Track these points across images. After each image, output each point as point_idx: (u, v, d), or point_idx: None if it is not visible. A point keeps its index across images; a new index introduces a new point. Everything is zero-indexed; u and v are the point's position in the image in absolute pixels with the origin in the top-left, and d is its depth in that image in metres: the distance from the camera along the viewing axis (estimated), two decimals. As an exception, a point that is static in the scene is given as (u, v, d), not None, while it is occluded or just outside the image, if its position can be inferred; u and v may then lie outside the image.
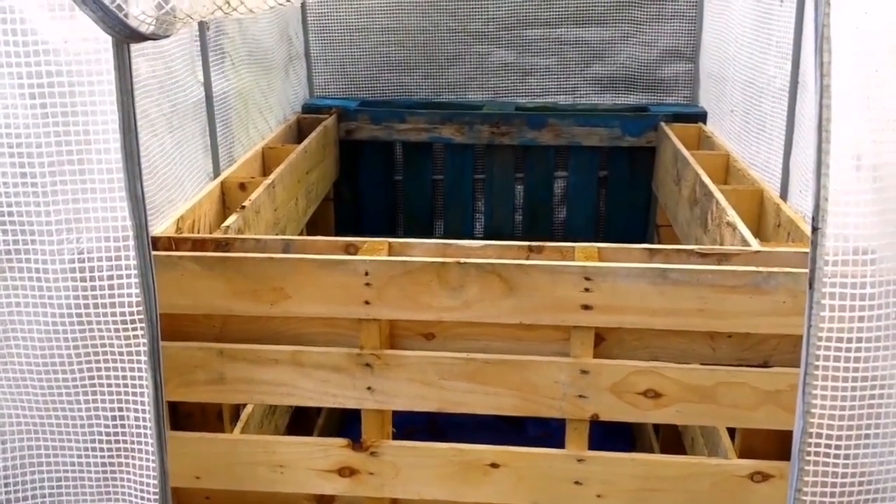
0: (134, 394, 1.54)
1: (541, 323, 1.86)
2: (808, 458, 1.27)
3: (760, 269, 1.79)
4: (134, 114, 1.34)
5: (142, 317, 1.47)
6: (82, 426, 1.57)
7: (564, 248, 2.01)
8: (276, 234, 2.79)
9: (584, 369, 1.88)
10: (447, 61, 4.00)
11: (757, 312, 1.79)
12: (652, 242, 3.69)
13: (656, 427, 3.01)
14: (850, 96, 1.19)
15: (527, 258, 1.98)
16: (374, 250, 2.01)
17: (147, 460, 1.58)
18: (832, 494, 1.28)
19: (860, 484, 1.28)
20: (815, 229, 1.20)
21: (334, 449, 2.00)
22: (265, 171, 3.08)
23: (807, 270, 1.52)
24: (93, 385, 1.54)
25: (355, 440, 2.00)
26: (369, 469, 2.00)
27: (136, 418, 1.56)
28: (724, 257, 1.95)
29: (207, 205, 2.55)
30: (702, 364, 1.88)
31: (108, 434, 1.57)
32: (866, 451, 1.27)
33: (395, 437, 2.06)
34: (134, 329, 1.49)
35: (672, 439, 2.71)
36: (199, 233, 2.43)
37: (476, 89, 4.04)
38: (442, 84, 4.03)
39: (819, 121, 1.18)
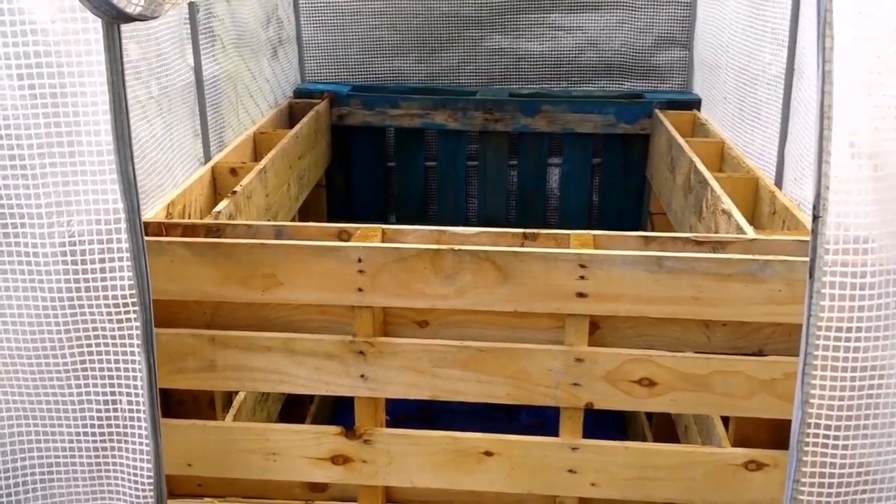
0: (126, 378, 1.53)
1: (535, 311, 1.85)
2: (806, 448, 1.26)
3: (756, 257, 1.78)
4: (125, 95, 1.31)
5: (134, 300, 1.46)
6: (74, 411, 1.56)
7: (559, 236, 1.99)
8: (268, 220, 2.77)
9: (578, 357, 1.87)
10: (440, 46, 3.97)
11: (752, 301, 1.78)
12: (645, 230, 3.69)
13: (649, 415, 3.02)
14: (850, 83, 1.18)
15: (521, 245, 1.96)
16: (368, 237, 1.99)
17: (140, 446, 1.56)
18: (830, 486, 1.27)
19: (858, 475, 1.28)
20: (815, 217, 1.19)
21: (327, 436, 1.99)
22: (257, 157, 3.06)
23: (803, 258, 1.52)
24: (84, 370, 1.53)
25: (348, 428, 1.99)
26: (362, 457, 1.99)
27: (129, 402, 1.54)
28: (719, 245, 1.94)
29: (198, 190, 2.53)
30: (696, 352, 1.87)
31: (100, 419, 1.56)
32: (864, 442, 1.26)
33: (389, 424, 2.04)
34: (126, 313, 1.48)
35: (665, 427, 2.71)
36: (189, 218, 2.40)
37: (469, 75, 4.01)
38: (435, 69, 4.01)
39: (820, 107, 1.16)
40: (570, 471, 1.95)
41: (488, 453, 1.96)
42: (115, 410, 1.55)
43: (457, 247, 1.83)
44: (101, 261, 1.44)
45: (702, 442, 2.24)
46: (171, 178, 2.41)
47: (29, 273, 1.44)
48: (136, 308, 1.46)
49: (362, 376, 1.93)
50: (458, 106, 3.80)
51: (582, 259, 1.80)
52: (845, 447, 1.26)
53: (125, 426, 1.56)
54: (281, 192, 3.00)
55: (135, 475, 1.58)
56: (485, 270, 1.82)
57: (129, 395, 1.54)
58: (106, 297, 1.46)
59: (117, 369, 1.52)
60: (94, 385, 1.54)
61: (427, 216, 4.08)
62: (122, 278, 1.45)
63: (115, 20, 1.25)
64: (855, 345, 1.22)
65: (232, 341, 1.93)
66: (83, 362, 1.52)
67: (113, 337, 1.50)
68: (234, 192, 2.48)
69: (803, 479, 1.27)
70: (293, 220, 3.22)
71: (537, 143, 3.89)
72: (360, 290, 1.85)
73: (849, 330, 1.22)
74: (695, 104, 3.64)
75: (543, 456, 1.95)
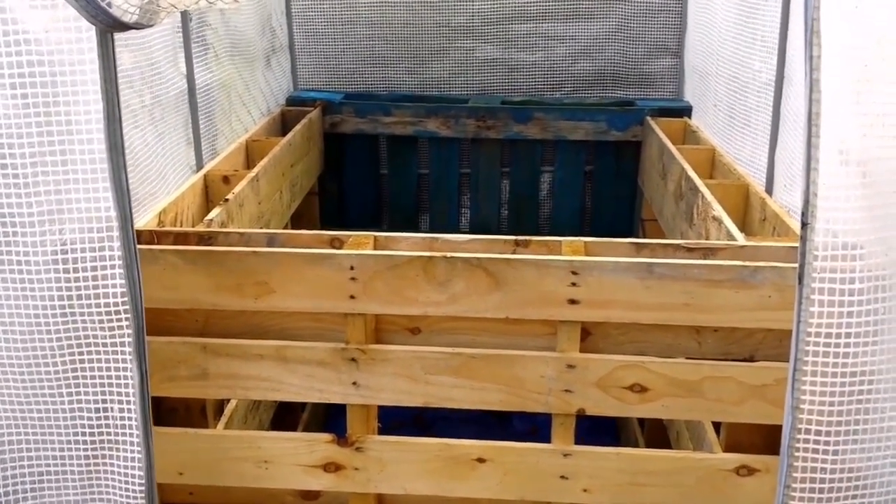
0: (118, 386, 1.52)
1: (527, 317, 1.86)
2: (796, 454, 1.27)
3: (747, 263, 1.79)
4: (118, 104, 1.31)
5: (126, 308, 1.45)
6: (65, 420, 1.55)
7: (551, 243, 2.00)
8: (260, 228, 2.77)
9: (570, 364, 1.87)
10: (431, 56, 3.98)
11: (743, 307, 1.79)
12: (637, 237, 3.70)
13: (641, 420, 3.02)
14: (839, 91, 1.19)
15: (513, 252, 1.97)
16: (360, 244, 1.99)
17: (132, 454, 1.56)
18: (820, 490, 1.28)
19: (848, 480, 1.28)
20: (804, 224, 1.20)
21: (319, 444, 1.99)
22: (249, 164, 3.06)
23: (793, 265, 1.53)
24: (76, 378, 1.52)
25: (340, 435, 1.99)
26: (355, 464, 1.99)
27: (121, 410, 1.54)
28: (710, 252, 1.95)
29: (190, 198, 2.53)
30: (687, 358, 1.88)
31: (91, 428, 1.55)
32: (854, 447, 1.27)
33: (381, 431, 2.04)
34: (119, 321, 1.47)
35: (657, 433, 2.71)
36: (181, 226, 2.40)
37: (461, 85, 4.02)
38: (426, 79, 4.01)
39: (809, 115, 1.17)
40: (563, 477, 1.95)
41: (481, 460, 1.96)
42: (107, 418, 1.55)
43: (449, 254, 1.83)
44: (94, 269, 1.44)
45: (693, 448, 2.24)
46: (164, 186, 2.41)
47: (21, 281, 1.44)
48: (128, 316, 1.46)
49: (354, 384, 1.93)
50: (451, 113, 3.81)
51: (573, 266, 1.81)
52: (836, 452, 1.27)
53: (117, 434, 1.55)
54: (273, 199, 3.00)
55: (126, 483, 1.58)
56: (477, 277, 1.82)
57: (120, 402, 1.53)
58: (98, 306, 1.46)
59: (109, 377, 1.52)
60: (86, 393, 1.53)
61: (419, 223, 4.08)
62: (114, 286, 1.45)
63: (110, 28, 1.26)
64: (845, 350, 1.23)
65: (224, 349, 1.93)
66: (75, 370, 1.51)
67: (105, 345, 1.49)
68: (227, 200, 2.48)
69: (794, 485, 1.28)
70: (286, 227, 3.22)
71: (529, 151, 3.90)
72: (352, 297, 1.86)
73: (838, 336, 1.23)
74: (686, 111, 3.65)
75: (536, 462, 1.95)
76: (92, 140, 1.34)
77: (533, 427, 3.20)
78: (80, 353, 1.50)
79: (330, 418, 3.44)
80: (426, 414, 3.29)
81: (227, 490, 2.10)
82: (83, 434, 1.55)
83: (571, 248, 1.96)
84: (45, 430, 1.56)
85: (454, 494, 2.00)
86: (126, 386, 1.51)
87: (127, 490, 1.57)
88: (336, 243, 2.04)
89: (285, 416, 2.98)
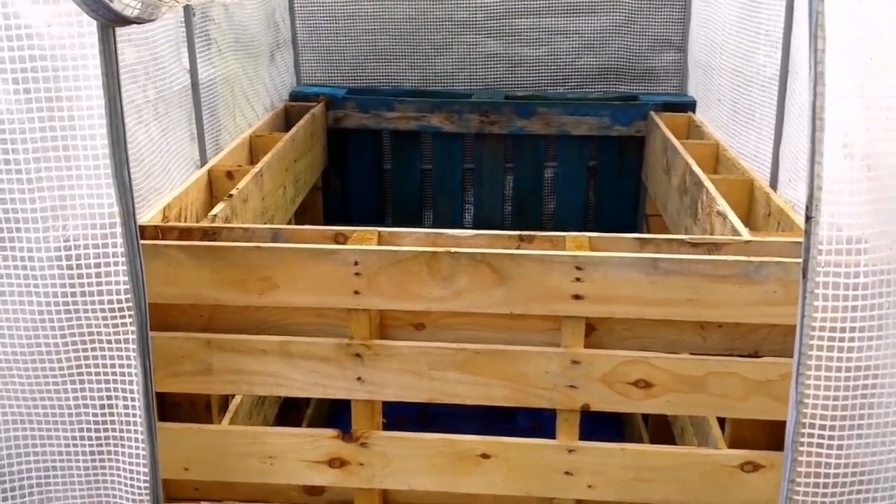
0: (123, 382, 1.53)
1: (531, 313, 1.85)
2: (800, 449, 1.27)
3: (751, 258, 1.79)
4: (120, 99, 1.31)
5: (130, 304, 1.46)
6: (70, 415, 1.56)
7: (555, 238, 2.00)
8: (264, 223, 2.77)
9: (574, 359, 1.87)
10: (434, 51, 3.97)
11: (747, 302, 1.78)
12: (641, 232, 3.69)
13: (645, 416, 3.02)
14: (843, 84, 1.19)
15: (517, 248, 1.97)
16: (364, 240, 1.99)
17: (136, 449, 1.56)
18: (825, 486, 1.28)
19: (853, 475, 1.28)
20: (808, 218, 1.19)
21: (324, 440, 1.99)
22: (252, 160, 3.06)
23: (798, 260, 1.52)
24: (80, 374, 1.53)
25: (345, 431, 1.99)
26: (359, 460, 1.99)
27: (126, 406, 1.54)
28: (714, 247, 1.94)
29: (194, 193, 2.53)
30: (692, 354, 1.88)
31: (96, 423, 1.56)
32: (859, 442, 1.27)
33: (385, 427, 2.05)
34: (122, 317, 1.48)
35: (661, 428, 2.71)
36: (185, 221, 2.40)
37: (464, 80, 4.01)
38: (429, 74, 4.01)
39: (813, 109, 1.17)
40: (567, 473, 1.95)
41: (485, 455, 1.96)
42: (112, 415, 1.55)
43: (453, 249, 1.83)
44: (97, 265, 1.44)
45: (698, 443, 2.24)
46: (168, 181, 2.41)
47: (24, 278, 1.44)
48: (132, 312, 1.46)
49: (359, 379, 1.93)
50: (454, 108, 3.80)
51: (578, 261, 1.80)
52: (840, 447, 1.26)
53: (122, 430, 1.56)
54: (277, 195, 3.00)
55: (131, 479, 1.58)
56: (481, 273, 1.82)
57: (125, 399, 1.54)
58: (101, 302, 1.46)
59: (113, 373, 1.52)
60: (91, 389, 1.54)
61: (423, 219, 4.08)
62: (117, 282, 1.45)
63: (111, 23, 1.26)
64: (849, 345, 1.23)
65: (228, 344, 1.93)
66: (79, 367, 1.52)
67: (109, 341, 1.50)
68: (231, 196, 2.48)
69: (798, 480, 1.27)
70: (289, 223, 3.22)
71: (533, 146, 3.90)
72: (356, 292, 1.86)
73: (843, 330, 1.23)
74: (690, 106, 3.64)
75: (540, 458, 1.95)
76: (94, 136, 1.35)
77: (537, 423, 3.20)
78: (84, 350, 1.50)
79: (335, 414, 3.45)
80: (430, 410, 3.29)
81: (233, 485, 2.10)
82: (88, 430, 1.56)
83: (576, 244, 1.96)
84: (50, 426, 1.56)
85: (459, 490, 2.00)
86: (130, 382, 1.51)
87: (132, 486, 1.58)
88: (340, 239, 2.04)
89: (290, 412, 2.98)
